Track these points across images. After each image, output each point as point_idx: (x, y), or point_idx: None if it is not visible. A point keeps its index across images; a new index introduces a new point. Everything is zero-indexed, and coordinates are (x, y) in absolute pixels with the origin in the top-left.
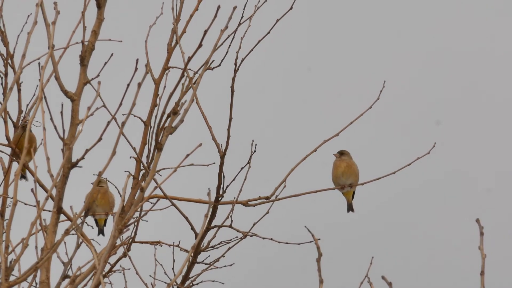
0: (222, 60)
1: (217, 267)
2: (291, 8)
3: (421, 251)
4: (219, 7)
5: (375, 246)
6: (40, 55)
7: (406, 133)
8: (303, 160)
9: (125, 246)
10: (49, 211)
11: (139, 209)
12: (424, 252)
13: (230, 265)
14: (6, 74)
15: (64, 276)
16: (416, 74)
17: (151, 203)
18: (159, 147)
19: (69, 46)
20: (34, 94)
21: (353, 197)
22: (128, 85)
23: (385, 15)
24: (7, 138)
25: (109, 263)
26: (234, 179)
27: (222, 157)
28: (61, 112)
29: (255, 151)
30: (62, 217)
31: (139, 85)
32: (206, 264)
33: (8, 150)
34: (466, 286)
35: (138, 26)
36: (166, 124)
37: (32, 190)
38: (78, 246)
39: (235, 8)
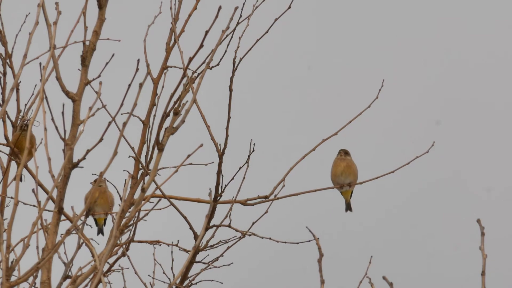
0: (220, 60)
1: (216, 267)
2: (289, 7)
3: (421, 252)
4: (220, 7)
5: (375, 246)
6: (39, 55)
7: (406, 133)
8: (302, 159)
9: (124, 246)
10: (50, 211)
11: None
12: (425, 253)
13: (229, 265)
14: (4, 74)
15: (65, 277)
16: (416, 74)
17: (152, 202)
18: (160, 147)
19: (68, 45)
20: (33, 94)
21: (351, 196)
22: (129, 85)
23: (386, 15)
24: (6, 138)
25: (108, 262)
26: (232, 179)
27: (221, 156)
28: (62, 113)
29: (253, 150)
30: (63, 217)
31: (141, 85)
32: (205, 263)
33: (7, 150)
34: (467, 286)
35: (137, 25)
36: (167, 124)
37: (33, 190)
38: (79, 246)
39: (236, 8)
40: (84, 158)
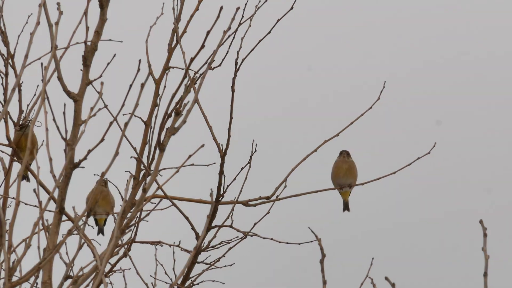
0: (222, 60)
1: (218, 267)
2: (292, 8)
3: (423, 252)
4: (221, 8)
5: (375, 247)
6: (42, 55)
7: (406, 133)
8: (303, 160)
9: (126, 246)
10: (51, 211)
11: (140, 210)
12: (427, 253)
13: (231, 265)
14: (6, 74)
15: (66, 277)
16: (416, 73)
17: (153, 203)
18: (161, 147)
19: (70, 46)
20: (35, 94)
21: (349, 196)
22: (131, 85)
23: (386, 15)
24: (8, 138)
25: (109, 263)
26: (234, 179)
27: (223, 157)
28: (64, 113)
29: (255, 151)
30: (65, 217)
31: (142, 85)
32: (206, 264)
33: (9, 150)
34: (469, 287)
35: (139, 26)
36: (168, 125)
37: (34, 190)
38: (80, 246)
39: (237, 9)
40: (85, 158)
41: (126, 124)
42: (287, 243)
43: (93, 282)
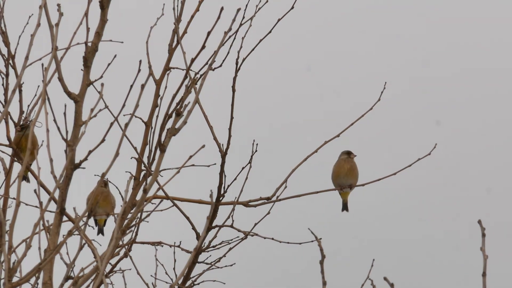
0: (223, 61)
1: (218, 267)
2: (292, 7)
3: (422, 252)
4: (222, 8)
5: (375, 246)
6: (42, 56)
7: (406, 133)
8: (304, 161)
9: (126, 247)
10: (52, 212)
11: (141, 210)
12: (426, 253)
13: (231, 265)
14: (7, 75)
15: (67, 277)
16: (416, 74)
17: (153, 204)
18: (162, 148)
19: (71, 47)
20: (35, 95)
21: (348, 196)
22: (131, 86)
23: (386, 14)
24: (8, 138)
25: (110, 263)
26: (235, 179)
27: (223, 156)
28: (64, 113)
29: (256, 151)
30: (65, 218)
31: (143, 86)
32: (207, 264)
33: (9, 151)
34: (468, 287)
35: (140, 27)
36: (169, 125)
37: (35, 191)
38: (81, 247)
39: (238, 10)
40: (86, 159)
41: (126, 125)
42: (288, 242)
43: (94, 283)
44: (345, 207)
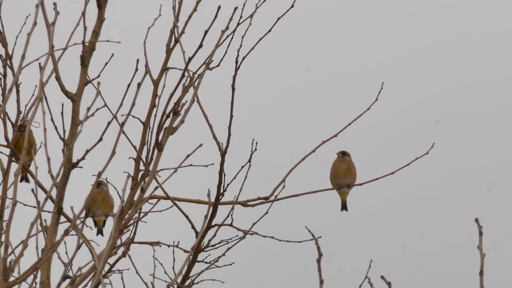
0: (221, 60)
1: (218, 266)
2: (292, 6)
3: (420, 251)
4: (219, 7)
5: (373, 246)
6: (40, 56)
7: (406, 133)
8: (302, 161)
9: (125, 246)
10: (49, 212)
11: (138, 210)
12: (423, 252)
13: (230, 264)
14: (5, 75)
15: (65, 277)
16: (416, 74)
17: (151, 203)
18: (159, 147)
19: (68, 47)
20: (33, 95)
21: (347, 196)
22: (129, 85)
23: (386, 14)
24: (6, 139)
25: (108, 263)
26: (234, 178)
27: (223, 155)
28: (62, 113)
29: (256, 149)
30: (63, 218)
31: (139, 85)
32: (206, 263)
33: (7, 151)
34: (465, 286)
35: (137, 26)
36: (167, 125)
37: (32, 190)
38: (78, 246)
39: (235, 9)
40: (83, 158)
41: (123, 124)
42: (287, 241)
43: (92, 282)
44: (344, 207)
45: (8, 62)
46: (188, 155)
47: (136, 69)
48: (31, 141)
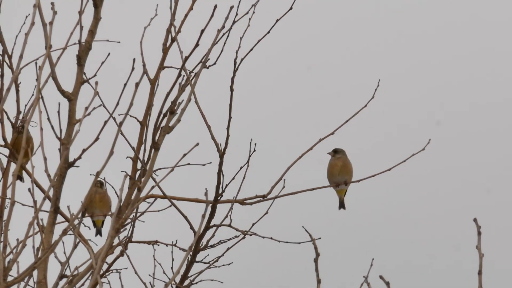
0: (217, 59)
1: (216, 266)
2: (291, 8)
3: (418, 251)
4: (215, 6)
5: (373, 246)
6: (39, 56)
7: (405, 133)
8: (299, 159)
9: (122, 245)
10: (47, 211)
11: (135, 209)
12: (422, 252)
13: (229, 264)
14: (2, 75)
15: (61, 276)
16: (416, 73)
17: (148, 203)
18: (156, 147)
19: (67, 47)
20: (32, 95)
21: (345, 194)
22: (125, 84)
23: (385, 14)
24: (4, 139)
25: (106, 262)
26: (233, 178)
27: (222, 156)
28: (58, 112)
29: (254, 150)
30: (60, 218)
31: (137, 85)
32: (205, 263)
33: (6, 151)
34: (463, 285)
35: (134, 26)
36: (163, 124)
37: (29, 190)
38: (75, 246)
39: (231, 8)
40: (80, 157)
41: (121, 124)
42: (287, 242)
43: (90, 281)
44: (342, 205)
45: (6, 61)
46: (185, 154)
47: (133, 68)
48: (28, 140)
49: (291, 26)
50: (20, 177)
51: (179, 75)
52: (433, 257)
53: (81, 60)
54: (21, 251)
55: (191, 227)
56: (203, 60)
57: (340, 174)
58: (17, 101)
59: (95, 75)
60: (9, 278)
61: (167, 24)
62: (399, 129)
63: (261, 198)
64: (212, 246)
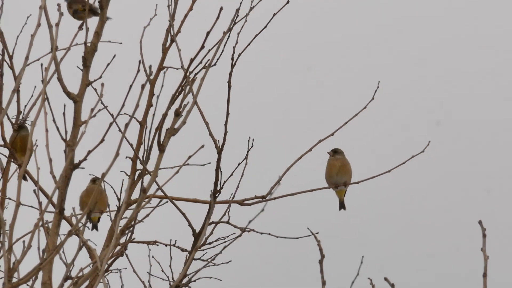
0: (217, 60)
1: (215, 264)
2: (288, 2)
3: (423, 253)
4: (221, 9)
5: (373, 246)
6: (41, 56)
7: (405, 133)
8: (298, 159)
9: (122, 245)
10: (51, 212)
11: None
12: (427, 254)
13: (227, 262)
14: (1, 75)
15: (67, 277)
16: (416, 73)
17: (150, 203)
18: (161, 148)
19: (71, 47)
20: (32, 95)
21: (344, 195)
22: (131, 86)
23: (385, 14)
24: (3, 139)
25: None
26: (231, 175)
27: (220, 153)
28: (64, 114)
29: (252, 146)
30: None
31: (143, 86)
32: (203, 261)
33: (5, 151)
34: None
35: (139, 27)
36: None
37: (34, 191)
38: (80, 247)
39: (237, 10)
40: (85, 159)
41: (126, 125)
42: (285, 237)
43: (95, 283)
44: (342, 206)
45: (7, 61)
46: (190, 156)
47: (138, 70)
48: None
49: (291, 26)
50: (23, 177)
51: (184, 77)
52: (433, 257)
53: (87, 61)
54: (26, 252)
55: (190, 225)
56: (207, 65)
57: (338, 174)
58: (18, 101)
59: (100, 77)
60: (14, 280)
61: (166, 24)
62: (399, 129)
63: (260, 199)
64: (210, 244)
